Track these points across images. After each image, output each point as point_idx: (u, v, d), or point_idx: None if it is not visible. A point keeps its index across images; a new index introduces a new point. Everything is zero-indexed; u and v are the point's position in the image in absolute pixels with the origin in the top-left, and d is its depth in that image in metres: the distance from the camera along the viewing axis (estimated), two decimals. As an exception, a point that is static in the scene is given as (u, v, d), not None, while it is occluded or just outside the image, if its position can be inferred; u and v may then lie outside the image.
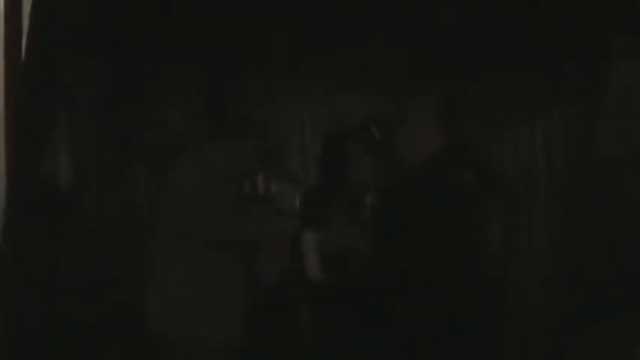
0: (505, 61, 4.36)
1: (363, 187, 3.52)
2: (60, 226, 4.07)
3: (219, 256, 2.95)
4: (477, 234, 2.68)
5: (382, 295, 2.72)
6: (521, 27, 3.96)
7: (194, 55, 4.62)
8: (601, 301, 3.80)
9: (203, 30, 4.22)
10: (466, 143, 2.86)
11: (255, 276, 3.17)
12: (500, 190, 2.78)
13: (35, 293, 3.75)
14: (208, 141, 3.62)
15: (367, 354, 2.88)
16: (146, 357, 3.04)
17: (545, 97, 4.36)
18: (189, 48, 4.51)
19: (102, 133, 4.47)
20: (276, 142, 3.24)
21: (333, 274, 3.35)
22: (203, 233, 2.90)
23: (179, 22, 4.09)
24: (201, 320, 2.91)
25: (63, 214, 4.14)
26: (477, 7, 3.77)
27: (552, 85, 4.31)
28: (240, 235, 2.93)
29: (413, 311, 2.62)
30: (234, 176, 3.06)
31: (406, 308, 2.63)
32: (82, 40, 4.10)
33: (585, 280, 3.96)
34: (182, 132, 4.70)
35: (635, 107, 3.79)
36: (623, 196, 3.79)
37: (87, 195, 4.38)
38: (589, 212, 3.98)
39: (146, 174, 4.65)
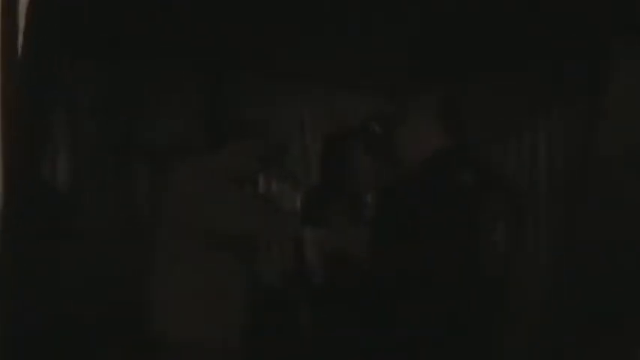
0: (505, 61, 4.36)
1: (364, 186, 3.52)
2: (59, 226, 4.07)
3: (219, 256, 2.95)
4: (478, 234, 2.67)
5: (382, 296, 2.71)
6: (521, 27, 3.96)
7: (194, 55, 4.62)
8: (601, 301, 3.80)
9: (203, 30, 4.22)
10: (466, 143, 2.85)
11: (256, 276, 3.17)
12: (501, 190, 2.77)
13: (35, 293, 3.75)
14: (209, 142, 3.61)
15: (367, 354, 2.87)
16: (146, 357, 3.03)
17: (546, 98, 4.36)
18: (189, 48, 4.51)
19: (101, 134, 4.47)
20: (276, 142, 3.23)
21: (334, 274, 3.35)
22: (204, 223, 2.90)
23: (179, 22, 4.08)
24: (201, 320, 2.91)
25: (62, 214, 4.14)
26: (477, 7, 3.76)
27: (552, 85, 4.31)
28: (241, 230, 2.92)
29: (413, 311, 2.62)
30: (236, 177, 3.06)
31: (406, 308, 2.63)
32: (81, 39, 4.10)
33: (585, 280, 3.96)
34: (182, 133, 4.70)
35: (635, 107, 3.78)
36: (623, 196, 3.79)
37: (86, 195, 4.38)
38: (589, 212, 3.98)
39: (146, 174, 4.65)
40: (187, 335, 2.90)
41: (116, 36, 4.28)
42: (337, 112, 4.72)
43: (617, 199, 3.82)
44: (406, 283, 2.62)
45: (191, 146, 4.45)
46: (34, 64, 3.43)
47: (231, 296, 2.97)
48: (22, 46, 3.27)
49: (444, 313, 2.60)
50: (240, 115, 4.32)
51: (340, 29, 4.21)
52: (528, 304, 4.16)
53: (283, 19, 4.09)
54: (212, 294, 2.92)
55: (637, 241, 3.69)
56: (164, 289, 2.98)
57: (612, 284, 3.76)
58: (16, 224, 3.38)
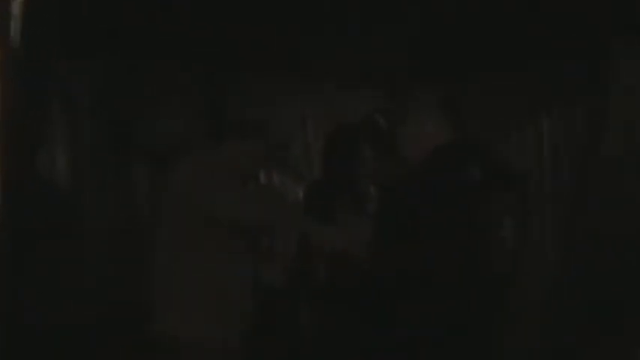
0: (506, 59, 4.36)
1: (367, 182, 3.49)
2: (59, 226, 4.07)
3: (220, 256, 2.94)
4: (485, 230, 2.66)
5: (386, 295, 2.70)
6: (522, 26, 3.95)
7: (194, 54, 4.62)
8: (601, 301, 3.80)
9: (204, 29, 4.22)
10: (471, 139, 2.83)
11: (256, 276, 3.16)
12: (508, 187, 2.75)
13: (35, 293, 3.75)
14: (210, 141, 3.61)
15: (369, 354, 2.86)
16: (146, 357, 3.03)
17: (546, 97, 4.36)
18: (189, 47, 4.51)
19: (101, 133, 4.47)
20: (278, 140, 3.21)
21: (336, 273, 3.33)
22: (205, 221, 2.89)
23: (179, 21, 4.08)
24: (202, 320, 2.91)
25: (62, 214, 4.14)
26: (477, 6, 3.77)
27: (553, 85, 4.31)
28: (244, 223, 2.91)
29: (418, 310, 2.61)
30: (238, 175, 3.05)
31: (411, 307, 2.62)
32: (79, 37, 4.10)
33: (585, 280, 3.96)
34: (183, 131, 4.70)
35: (636, 107, 3.78)
36: (624, 196, 3.79)
37: (86, 195, 4.38)
38: (589, 212, 3.98)
39: (146, 174, 4.65)
40: (187, 335, 2.90)
41: (116, 35, 4.28)
42: (338, 111, 4.72)
43: (618, 199, 3.82)
44: (411, 282, 2.60)
45: (192, 145, 4.46)
46: (30, 62, 3.43)
47: (232, 296, 2.97)
48: (18, 43, 3.26)
49: (450, 312, 2.58)
50: (242, 114, 4.33)
51: (341, 28, 4.22)
52: (532, 301, 4.15)
53: (284, 19, 4.09)
54: (212, 294, 2.92)
55: (637, 241, 3.69)
56: (164, 288, 2.98)
57: (612, 284, 3.76)
58: (15, 224, 3.38)
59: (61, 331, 3.88)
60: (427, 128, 2.74)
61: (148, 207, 4.58)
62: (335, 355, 3.41)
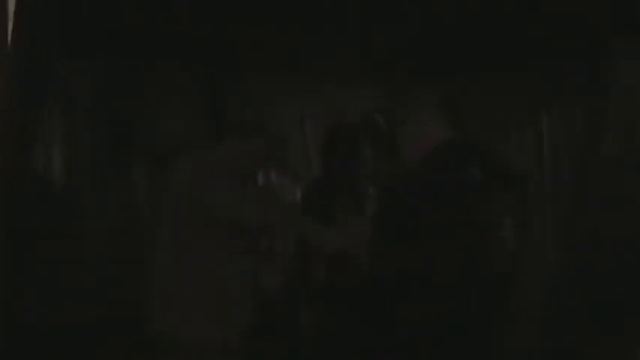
0: (506, 58, 4.36)
1: (367, 181, 3.48)
2: (59, 226, 4.07)
3: (220, 256, 2.94)
4: (485, 230, 2.64)
5: (386, 295, 2.69)
6: (521, 26, 3.95)
7: (193, 54, 4.62)
8: (601, 301, 3.80)
9: (203, 29, 4.22)
10: (470, 139, 2.82)
11: (257, 276, 3.15)
12: (508, 187, 2.74)
13: (35, 293, 3.75)
14: (209, 140, 3.60)
15: (369, 354, 2.85)
16: (146, 357, 3.03)
17: (546, 96, 4.36)
18: (188, 47, 4.51)
19: (101, 132, 4.47)
20: (276, 140, 3.21)
21: (336, 273, 3.33)
22: (205, 220, 2.89)
23: (178, 21, 4.08)
24: (201, 320, 2.91)
25: (61, 214, 4.14)
26: (478, 6, 3.77)
27: (553, 85, 4.31)
28: (243, 223, 2.91)
29: (416, 311, 2.60)
30: (237, 174, 3.05)
31: (409, 308, 2.61)
32: (80, 38, 4.10)
33: (585, 280, 3.96)
34: (183, 132, 4.70)
35: (636, 107, 3.78)
36: (623, 196, 3.79)
37: (86, 195, 4.37)
38: (589, 212, 3.98)
39: (146, 173, 4.65)
40: (187, 335, 2.90)
41: (116, 35, 4.28)
42: (338, 110, 4.72)
43: (618, 199, 3.82)
44: (410, 282, 2.59)
45: (192, 144, 4.46)
46: (30, 62, 3.43)
47: (231, 296, 2.97)
48: (15, 42, 3.26)
49: (450, 312, 2.57)
50: (241, 114, 4.33)
51: (341, 28, 4.22)
52: (532, 301, 4.15)
53: (284, 19, 4.09)
54: (212, 294, 2.92)
55: (636, 241, 3.69)
56: (164, 289, 2.98)
57: (612, 284, 3.76)
58: (15, 224, 3.38)
59: (61, 331, 3.87)
60: (427, 128, 2.74)
61: (147, 207, 4.59)
62: (335, 355, 3.41)
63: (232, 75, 4.83)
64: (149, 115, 4.67)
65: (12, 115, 3.22)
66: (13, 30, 3.21)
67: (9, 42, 3.22)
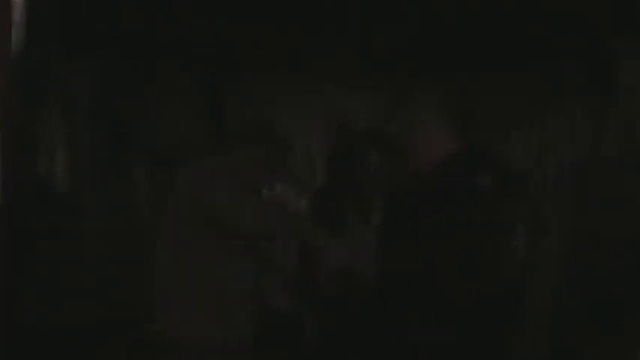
0: (515, 63, 4.35)
1: (375, 188, 3.42)
2: (59, 227, 4.07)
3: (220, 256, 2.94)
4: (497, 240, 2.60)
5: (394, 305, 2.64)
6: (528, 30, 3.94)
7: (195, 55, 4.62)
8: (601, 301, 3.80)
9: (207, 32, 4.22)
10: (480, 146, 2.78)
11: (258, 278, 3.14)
12: (521, 195, 2.71)
13: (35, 293, 3.75)
14: (212, 144, 3.59)
15: None
16: (146, 357, 3.03)
17: (553, 100, 4.35)
18: (190, 48, 4.51)
19: (101, 133, 4.47)
20: (281, 145, 3.17)
21: (343, 283, 3.28)
22: (207, 223, 2.88)
23: (181, 23, 4.08)
24: (202, 320, 2.90)
25: (62, 214, 4.14)
26: (489, 10, 3.75)
27: (560, 88, 4.30)
28: (247, 230, 2.89)
29: (426, 322, 2.54)
30: (241, 179, 3.03)
31: (419, 318, 2.55)
32: (80, 38, 4.10)
33: (585, 280, 3.96)
34: (183, 132, 4.70)
35: (636, 107, 3.78)
36: (623, 196, 3.78)
37: (86, 195, 4.37)
38: (589, 213, 3.98)
39: (146, 173, 4.65)
40: (187, 335, 2.90)
41: (116, 35, 4.28)
42: (339, 111, 4.72)
43: (617, 199, 3.81)
44: (420, 292, 2.54)
45: (194, 147, 4.46)
46: (30, 62, 3.43)
47: (232, 296, 2.97)
48: (18, 43, 3.26)
49: (461, 323, 2.52)
50: (241, 114, 4.33)
51: (340, 28, 4.22)
52: (541, 307, 4.12)
53: (284, 19, 4.09)
54: (212, 294, 2.91)
55: (636, 241, 3.69)
56: (164, 289, 2.98)
57: (612, 284, 3.76)
58: (15, 224, 3.38)
59: (61, 331, 3.88)
60: (435, 133, 2.68)
61: (147, 207, 4.58)
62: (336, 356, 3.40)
63: (232, 75, 4.83)
64: (149, 115, 4.67)
65: (13, 115, 3.22)
66: (16, 33, 3.21)
67: (12, 45, 3.22)
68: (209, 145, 4.50)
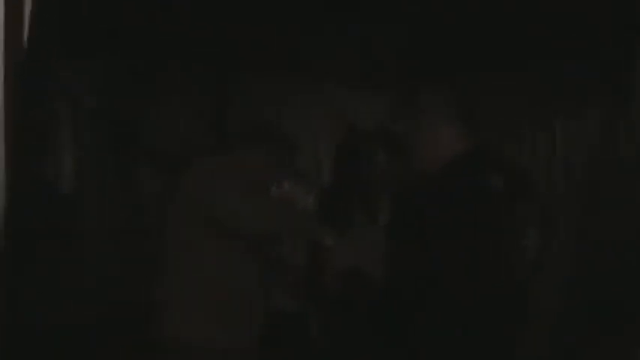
0: (507, 58, 4.35)
1: (383, 189, 3.40)
2: (60, 227, 4.07)
3: (223, 257, 2.94)
4: (507, 241, 2.59)
5: (402, 306, 2.62)
6: (537, 30, 3.93)
7: (196, 55, 4.62)
8: (601, 301, 3.80)
9: (211, 33, 4.22)
10: (489, 146, 2.76)
11: (262, 278, 3.13)
12: (530, 195, 2.69)
13: (35, 293, 3.75)
14: (218, 144, 3.58)
15: None
16: (146, 357, 3.03)
17: (554, 99, 4.35)
18: (190, 49, 4.51)
19: (103, 133, 4.47)
20: (287, 145, 3.16)
21: (350, 284, 3.26)
22: (211, 223, 2.88)
23: (185, 25, 4.08)
24: (202, 321, 2.90)
25: (63, 214, 4.14)
26: (499, 10, 3.75)
27: (560, 87, 4.30)
28: (254, 230, 2.88)
29: (434, 323, 2.53)
30: (247, 179, 3.03)
31: (426, 320, 2.54)
32: (80, 38, 4.10)
33: (585, 280, 3.96)
34: (185, 133, 4.69)
35: (636, 107, 3.78)
36: (623, 196, 3.78)
37: (88, 195, 4.37)
38: (590, 213, 3.98)
39: (148, 174, 4.65)
40: (189, 336, 2.90)
41: (116, 35, 4.27)
42: (339, 111, 4.71)
43: (617, 199, 3.82)
44: (427, 293, 2.53)
45: (197, 148, 4.46)
46: (32, 63, 3.42)
47: (234, 298, 2.96)
48: (19, 44, 3.26)
49: (468, 324, 2.50)
50: (241, 115, 4.33)
51: (340, 28, 4.21)
52: (544, 307, 4.11)
53: (284, 19, 4.09)
54: (213, 295, 2.91)
55: (636, 241, 3.69)
56: (165, 289, 2.98)
57: (613, 284, 3.76)
58: (16, 224, 3.38)
59: (61, 331, 3.87)
60: (442, 133, 2.66)
61: (149, 207, 4.58)
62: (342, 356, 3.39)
63: (232, 75, 4.83)
64: (151, 115, 4.67)
65: (15, 116, 3.21)
66: (17, 34, 3.22)
67: (14, 45, 3.22)
68: (212, 145, 4.50)
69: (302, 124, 4.78)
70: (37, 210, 3.79)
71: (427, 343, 2.54)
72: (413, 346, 2.57)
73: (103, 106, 4.44)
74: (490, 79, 4.53)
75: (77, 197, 4.31)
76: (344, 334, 3.41)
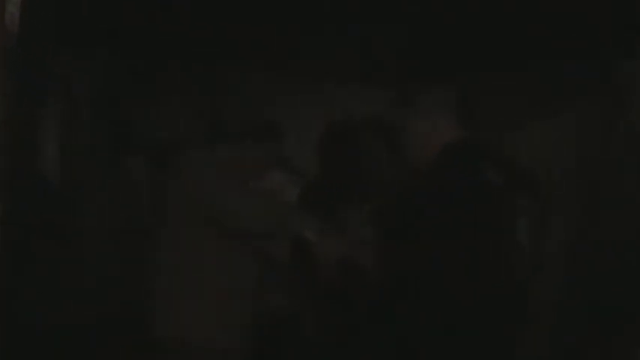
0: (506, 58, 4.35)
1: (374, 183, 3.39)
2: (59, 226, 4.07)
3: (221, 256, 2.94)
4: (501, 234, 2.58)
5: (394, 301, 2.61)
6: (533, 23, 3.93)
7: (194, 55, 4.62)
8: (601, 301, 3.80)
9: (204, 30, 4.22)
10: (483, 138, 2.74)
11: (258, 277, 3.14)
12: (525, 188, 2.68)
13: (35, 293, 3.75)
14: (211, 141, 3.57)
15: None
16: (146, 357, 3.03)
17: (550, 97, 4.35)
18: (189, 48, 4.51)
19: (101, 132, 4.47)
20: (281, 139, 3.16)
21: (341, 280, 3.26)
22: (208, 221, 2.88)
23: (182, 21, 4.08)
24: (202, 321, 2.90)
25: (62, 214, 4.14)
26: (478, 6, 3.75)
27: (555, 86, 4.30)
28: (247, 225, 2.89)
29: (426, 318, 2.52)
30: (241, 174, 3.04)
31: (419, 315, 2.53)
32: (79, 37, 4.10)
33: (585, 280, 3.96)
34: (183, 131, 4.70)
35: (636, 107, 3.78)
36: (623, 196, 3.78)
37: (86, 194, 4.38)
38: (589, 213, 3.98)
39: (147, 173, 4.65)
40: (188, 336, 2.90)
41: (116, 34, 4.28)
42: (339, 111, 4.72)
43: (617, 199, 3.82)
44: (420, 287, 2.52)
45: (193, 144, 4.45)
46: (30, 60, 3.42)
47: (232, 297, 2.97)
48: (16, 41, 3.26)
49: (461, 318, 2.49)
50: (240, 114, 4.32)
51: (340, 28, 4.22)
52: (543, 306, 4.11)
53: (284, 18, 4.09)
54: (213, 294, 2.91)
55: (636, 241, 3.69)
56: (164, 289, 2.98)
57: (613, 284, 3.76)
58: (15, 224, 3.38)
59: (61, 331, 3.87)
60: (436, 126, 2.65)
61: (148, 207, 4.59)
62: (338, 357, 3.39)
63: (232, 75, 4.84)
64: (149, 114, 4.67)
65: (14, 113, 3.21)
66: (14, 31, 3.21)
67: (10, 42, 3.21)
68: (210, 144, 4.51)
69: (294, 119, 4.78)
70: (36, 210, 3.79)
71: (423, 339, 2.53)
72: (409, 342, 2.56)
73: (100, 104, 4.44)
74: (490, 79, 4.54)
75: (77, 197, 4.32)
76: (340, 333, 3.41)
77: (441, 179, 2.53)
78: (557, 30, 3.86)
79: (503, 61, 4.40)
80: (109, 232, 4.43)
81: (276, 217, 2.98)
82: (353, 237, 2.89)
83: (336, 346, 3.40)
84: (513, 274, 2.63)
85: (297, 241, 3.10)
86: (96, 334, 4.07)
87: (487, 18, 3.88)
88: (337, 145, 3.52)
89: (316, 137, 3.70)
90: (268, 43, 4.44)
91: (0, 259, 3.28)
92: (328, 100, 4.91)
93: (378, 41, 4.37)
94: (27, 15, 3.27)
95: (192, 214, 2.91)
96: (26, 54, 3.41)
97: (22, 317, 3.57)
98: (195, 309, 2.90)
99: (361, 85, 4.91)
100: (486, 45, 4.24)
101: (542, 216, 2.86)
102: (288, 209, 3.23)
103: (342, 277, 3.19)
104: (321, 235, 2.87)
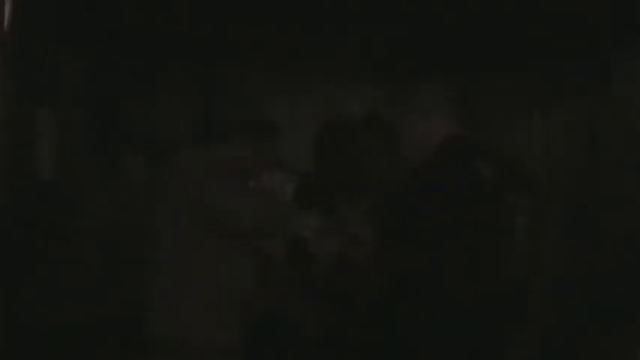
0: (506, 58, 4.36)
1: (370, 180, 3.39)
2: (58, 226, 4.07)
3: (221, 256, 2.94)
4: (494, 232, 2.58)
5: (390, 300, 2.61)
6: (529, 21, 3.93)
7: (194, 54, 4.62)
8: (601, 301, 3.80)
9: (204, 30, 4.22)
10: (479, 136, 2.75)
11: (256, 277, 3.14)
12: (521, 185, 2.68)
13: (35, 293, 3.75)
14: (210, 140, 3.57)
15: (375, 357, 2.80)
16: (146, 357, 3.03)
17: (547, 96, 4.35)
18: (189, 48, 4.51)
19: (100, 131, 4.47)
20: (277, 140, 3.16)
21: (338, 278, 3.26)
22: (205, 220, 2.88)
23: (179, 20, 4.08)
24: (201, 321, 2.90)
25: (61, 214, 4.14)
26: (478, 6, 3.75)
27: (554, 85, 4.30)
28: (244, 224, 2.89)
29: (423, 317, 2.52)
30: (237, 173, 3.03)
31: (416, 313, 2.53)
32: (77, 36, 4.10)
33: (585, 280, 3.96)
34: (182, 130, 4.70)
35: (636, 107, 3.78)
36: (623, 196, 3.78)
37: (86, 194, 4.37)
38: (589, 212, 3.98)
39: (147, 173, 4.65)
40: (187, 336, 2.90)
41: (115, 34, 4.28)
42: (339, 110, 4.72)
43: (617, 199, 3.82)
44: (416, 285, 2.52)
45: (191, 144, 4.45)
46: (26, 59, 3.42)
47: (232, 297, 2.96)
48: (12, 39, 3.26)
49: (458, 316, 2.49)
50: (239, 113, 4.32)
51: (340, 28, 4.22)
52: (542, 306, 4.11)
53: (284, 18, 4.09)
54: (212, 294, 2.91)
55: (636, 241, 3.69)
56: (164, 289, 2.98)
57: (613, 284, 3.76)
58: (15, 224, 3.38)
59: (61, 331, 3.87)
60: (436, 126, 2.65)
61: (148, 207, 4.58)
62: (337, 356, 3.39)
63: (231, 74, 4.83)
64: (147, 114, 4.67)
65: (12, 114, 3.22)
66: (10, 29, 3.21)
67: (6, 41, 3.21)
68: (209, 144, 4.51)
69: (294, 118, 4.79)
70: (36, 210, 3.79)
71: (420, 338, 2.53)
72: (406, 341, 2.56)
73: (99, 104, 4.44)
74: (490, 78, 4.54)
75: (77, 197, 4.31)
76: (338, 333, 3.41)
77: (440, 178, 2.53)
78: (557, 30, 3.86)
79: (503, 61, 4.41)
80: (108, 232, 4.42)
81: (275, 216, 2.99)
82: (352, 236, 2.89)
83: (336, 345, 3.40)
84: (512, 274, 2.63)
85: (296, 240, 3.11)
86: (96, 334, 4.06)
87: (487, 18, 3.88)
88: (336, 145, 3.52)
89: (315, 136, 3.70)
90: (268, 43, 4.44)
91: (0, 259, 3.29)
92: (328, 99, 4.91)
93: (378, 41, 4.37)
94: (27, 15, 3.27)
95: (191, 214, 2.91)
96: (26, 54, 3.41)
97: (22, 317, 3.57)
98: (195, 309, 2.90)
99: (361, 85, 4.90)
100: (486, 45, 4.24)
101: (541, 215, 2.85)
102: (288, 209, 3.23)
103: (341, 276, 3.20)
104: (320, 234, 2.87)
